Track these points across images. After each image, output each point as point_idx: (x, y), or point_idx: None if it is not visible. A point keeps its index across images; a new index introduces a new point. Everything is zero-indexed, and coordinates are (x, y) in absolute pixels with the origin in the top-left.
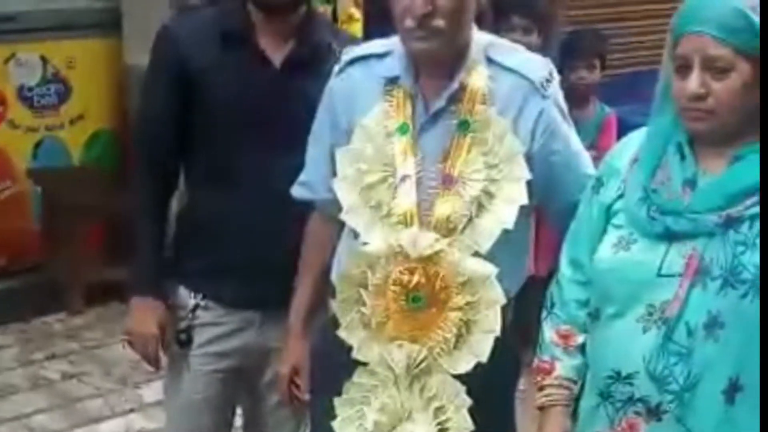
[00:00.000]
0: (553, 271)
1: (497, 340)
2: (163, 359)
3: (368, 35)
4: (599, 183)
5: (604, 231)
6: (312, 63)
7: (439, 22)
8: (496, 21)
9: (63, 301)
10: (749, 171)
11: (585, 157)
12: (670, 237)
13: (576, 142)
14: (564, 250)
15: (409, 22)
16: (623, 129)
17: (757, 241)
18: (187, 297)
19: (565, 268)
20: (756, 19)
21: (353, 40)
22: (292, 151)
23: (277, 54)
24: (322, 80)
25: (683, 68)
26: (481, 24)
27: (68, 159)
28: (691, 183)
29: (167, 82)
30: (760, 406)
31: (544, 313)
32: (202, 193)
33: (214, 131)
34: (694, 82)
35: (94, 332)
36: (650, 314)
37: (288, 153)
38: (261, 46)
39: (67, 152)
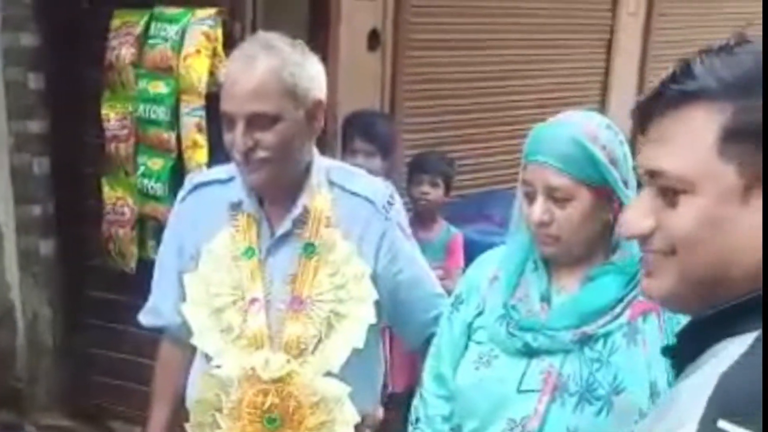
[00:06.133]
0: (412, 388)
1: None
2: None
3: (212, 161)
4: (459, 300)
5: (466, 347)
6: None
7: (263, 154)
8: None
9: None
10: (601, 292)
11: (431, 276)
12: (529, 353)
13: (421, 262)
14: (427, 365)
15: (236, 156)
16: (473, 248)
17: (611, 358)
18: None
19: (428, 384)
20: (595, 150)
21: None
22: None
23: None
24: None
25: (529, 194)
26: (324, 148)
27: None
28: (547, 300)
29: None
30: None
31: (409, 428)
32: None
33: None
34: (537, 209)
35: None
36: (511, 429)
37: None
38: None
39: None
